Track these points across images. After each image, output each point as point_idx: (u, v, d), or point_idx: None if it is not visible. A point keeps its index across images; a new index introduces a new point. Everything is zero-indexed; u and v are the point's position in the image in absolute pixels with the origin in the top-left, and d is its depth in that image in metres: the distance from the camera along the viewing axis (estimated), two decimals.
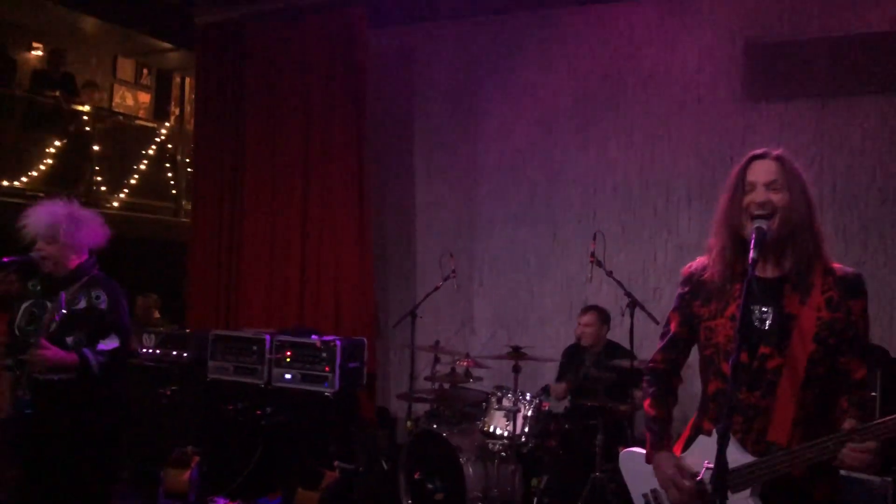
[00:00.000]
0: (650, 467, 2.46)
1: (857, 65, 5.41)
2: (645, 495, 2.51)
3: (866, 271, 5.23)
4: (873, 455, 2.08)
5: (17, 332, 3.57)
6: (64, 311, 3.34)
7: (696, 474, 2.31)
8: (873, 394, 4.23)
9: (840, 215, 5.47)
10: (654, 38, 6.02)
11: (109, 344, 3.48)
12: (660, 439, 2.46)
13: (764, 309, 2.28)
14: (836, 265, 2.29)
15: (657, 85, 6.02)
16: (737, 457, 2.20)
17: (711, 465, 2.12)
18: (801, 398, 2.21)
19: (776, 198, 2.25)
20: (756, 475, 2.20)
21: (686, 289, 2.47)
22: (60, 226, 3.50)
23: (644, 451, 2.52)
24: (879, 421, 2.09)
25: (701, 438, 2.37)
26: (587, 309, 5.45)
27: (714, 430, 2.28)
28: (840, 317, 2.22)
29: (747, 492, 2.20)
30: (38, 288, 3.62)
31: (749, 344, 2.26)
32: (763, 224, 2.22)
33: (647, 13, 6.08)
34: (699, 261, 2.47)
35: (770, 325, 2.27)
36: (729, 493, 2.16)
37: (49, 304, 3.46)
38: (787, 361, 2.22)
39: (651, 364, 2.59)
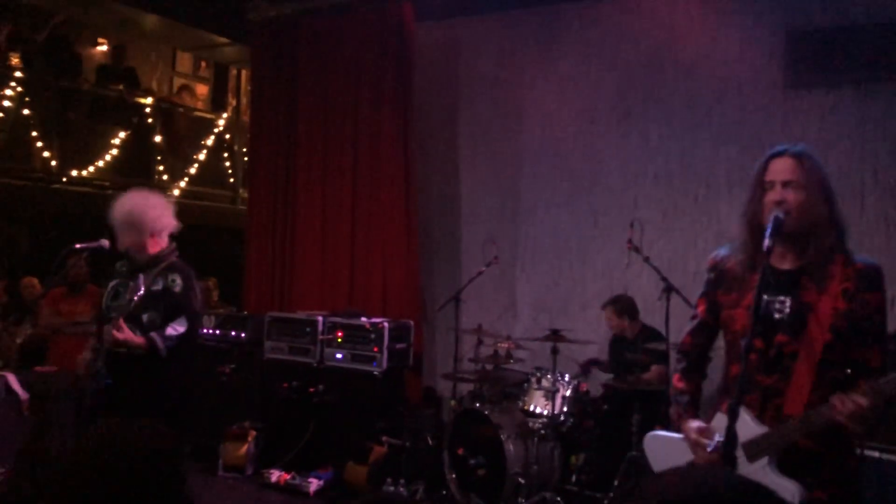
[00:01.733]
0: (673, 449, 2.57)
1: None
2: None
3: None
4: (861, 409, 2.15)
5: (104, 308, 3.88)
6: (142, 293, 3.59)
7: (714, 438, 2.41)
8: None
9: (882, 202, 5.44)
10: (695, 26, 6.01)
11: (178, 328, 3.75)
12: (685, 409, 2.59)
13: (781, 299, 2.37)
14: (858, 257, 2.35)
15: (698, 73, 6.02)
16: (753, 430, 2.32)
17: (722, 438, 2.29)
18: (817, 382, 2.30)
19: (792, 196, 2.34)
20: (771, 444, 2.29)
21: (711, 276, 2.59)
22: (143, 215, 3.79)
23: (667, 434, 2.64)
24: (875, 381, 2.18)
25: (718, 416, 2.48)
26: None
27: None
28: (855, 308, 2.29)
29: (764, 460, 2.30)
30: (125, 269, 3.92)
31: (765, 332, 2.36)
32: (780, 213, 2.31)
33: (687, 1, 6.10)
34: (724, 249, 2.58)
35: (787, 314, 2.35)
36: (746, 463, 2.31)
37: (131, 284, 3.75)
38: (802, 348, 2.31)
39: (681, 345, 2.73)
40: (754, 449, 2.31)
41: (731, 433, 2.18)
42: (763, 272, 2.27)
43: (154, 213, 3.84)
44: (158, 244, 3.88)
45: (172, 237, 3.97)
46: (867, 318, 2.29)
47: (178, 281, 3.79)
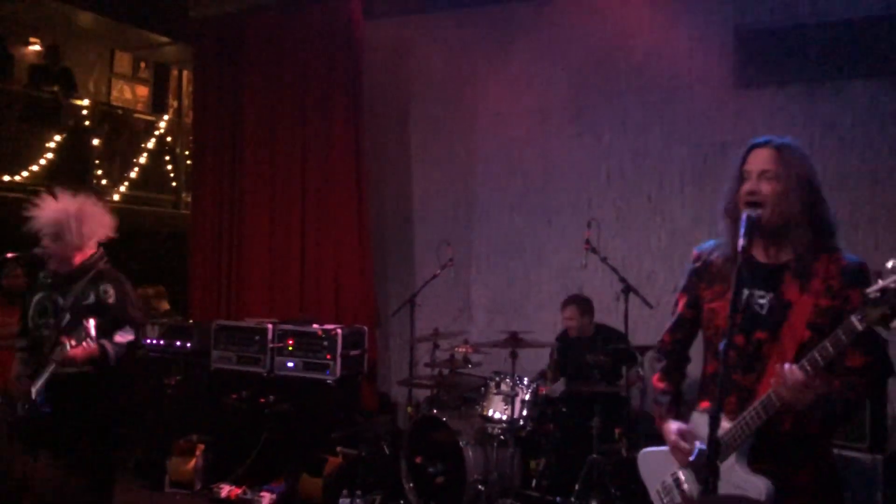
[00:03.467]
0: (662, 466, 2.52)
1: (848, 49, 5.44)
2: (658, 491, 2.57)
3: (856, 253, 5.35)
4: (798, 379, 2.11)
5: (30, 323, 3.65)
6: (93, 333, 3.38)
7: (696, 447, 2.37)
8: None
9: (830, 198, 5.45)
10: (646, 25, 6.02)
11: (126, 336, 3.53)
12: (667, 410, 2.54)
13: (763, 294, 2.33)
14: (844, 254, 2.30)
15: (649, 72, 6.04)
16: (722, 429, 2.25)
17: (703, 446, 2.23)
18: None
19: (766, 187, 2.28)
20: (735, 438, 2.26)
21: (695, 268, 2.53)
22: (67, 224, 3.55)
23: (658, 449, 2.58)
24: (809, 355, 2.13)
25: (694, 415, 2.45)
26: (566, 304, 5.51)
27: (706, 410, 2.38)
28: (837, 305, 2.23)
29: (732, 459, 2.26)
30: (49, 280, 3.69)
31: (746, 328, 2.31)
32: (752, 211, 2.26)
33: (638, 1, 6.11)
34: (710, 242, 2.53)
35: (767, 310, 2.31)
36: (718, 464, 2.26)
37: (59, 300, 3.54)
38: (778, 346, 2.27)
39: (660, 344, 2.67)
40: (721, 448, 2.25)
41: (712, 441, 2.11)
42: (738, 271, 2.22)
43: (87, 222, 3.62)
44: (83, 254, 3.66)
45: (103, 243, 3.75)
46: (849, 315, 2.19)
47: (111, 290, 3.57)
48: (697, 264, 2.53)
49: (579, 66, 6.33)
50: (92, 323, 3.38)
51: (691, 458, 2.37)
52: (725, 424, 2.28)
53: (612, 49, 6.19)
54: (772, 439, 2.26)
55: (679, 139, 5.99)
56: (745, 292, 2.33)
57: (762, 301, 2.33)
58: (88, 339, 3.35)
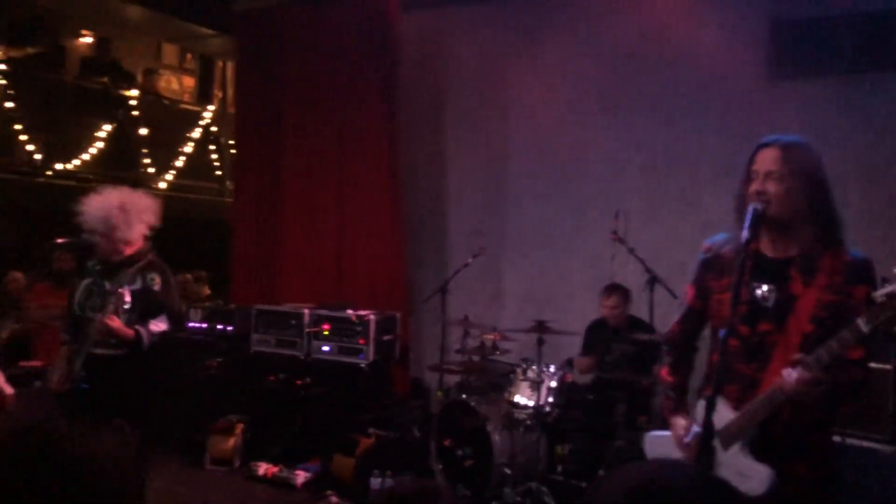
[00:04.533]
0: (669, 449, 2.59)
1: (882, 41, 5.38)
2: None
3: (891, 247, 5.30)
4: (804, 378, 2.19)
5: (76, 308, 3.85)
6: (128, 301, 3.63)
7: (692, 429, 2.45)
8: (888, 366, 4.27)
9: (865, 192, 5.46)
10: (679, 16, 6.01)
11: (160, 325, 3.77)
12: (675, 404, 2.61)
13: (768, 287, 2.39)
14: (849, 251, 2.35)
15: (682, 64, 6.03)
16: (728, 417, 2.35)
17: (699, 429, 2.31)
18: None
19: (772, 188, 2.34)
20: (741, 428, 2.33)
21: (705, 259, 2.60)
22: (115, 219, 3.76)
23: (666, 434, 2.65)
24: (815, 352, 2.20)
25: (701, 403, 2.47)
26: (611, 291, 5.49)
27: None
28: (840, 301, 2.28)
29: (737, 446, 2.33)
30: (98, 268, 3.89)
31: (750, 319, 2.38)
32: (759, 205, 2.33)
33: None
34: (722, 235, 2.59)
35: (773, 303, 2.37)
36: (722, 451, 2.34)
37: (107, 284, 3.74)
38: (782, 339, 2.33)
39: (669, 334, 2.74)
40: (726, 436, 2.35)
41: (708, 424, 2.19)
42: (741, 263, 2.29)
43: (132, 212, 3.82)
44: (134, 245, 3.87)
45: (150, 236, 3.94)
46: (852, 310, 2.26)
47: (157, 279, 3.78)
48: (708, 255, 2.58)
49: (611, 56, 6.33)
50: (127, 289, 3.60)
51: (686, 440, 2.45)
52: (728, 413, 2.35)
53: (645, 40, 6.18)
54: (772, 429, 2.32)
55: (712, 130, 5.96)
56: (752, 284, 2.39)
57: (768, 294, 2.39)
58: (121, 310, 3.57)
